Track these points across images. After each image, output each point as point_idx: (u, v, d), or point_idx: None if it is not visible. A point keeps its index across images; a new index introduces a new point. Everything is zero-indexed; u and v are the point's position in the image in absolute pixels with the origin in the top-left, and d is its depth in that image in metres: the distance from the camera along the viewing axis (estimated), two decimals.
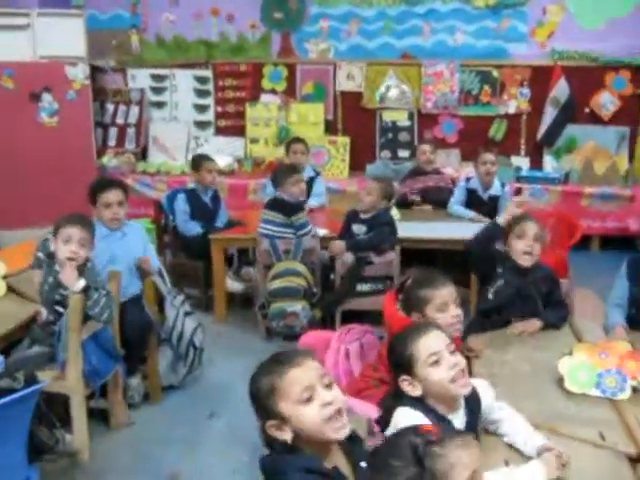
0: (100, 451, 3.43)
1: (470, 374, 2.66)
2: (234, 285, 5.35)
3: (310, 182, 5.93)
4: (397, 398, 2.11)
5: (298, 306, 4.50)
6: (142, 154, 7.98)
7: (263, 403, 1.75)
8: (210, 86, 7.98)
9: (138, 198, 7.35)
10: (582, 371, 2.54)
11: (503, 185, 5.52)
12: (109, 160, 7.63)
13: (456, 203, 5.55)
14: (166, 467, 3.33)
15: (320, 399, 1.72)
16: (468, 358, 2.85)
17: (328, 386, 1.76)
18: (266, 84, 7.90)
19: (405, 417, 2.02)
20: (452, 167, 7.17)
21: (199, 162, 5.52)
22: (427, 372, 2.04)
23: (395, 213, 5.34)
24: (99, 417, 3.65)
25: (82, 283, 3.20)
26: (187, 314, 4.07)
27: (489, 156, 5.44)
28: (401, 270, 5.27)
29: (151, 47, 8.17)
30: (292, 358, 1.77)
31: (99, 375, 3.35)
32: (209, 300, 5.35)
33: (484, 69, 7.56)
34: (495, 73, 7.54)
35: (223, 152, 7.75)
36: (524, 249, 3.20)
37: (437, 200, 5.77)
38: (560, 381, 2.55)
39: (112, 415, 3.65)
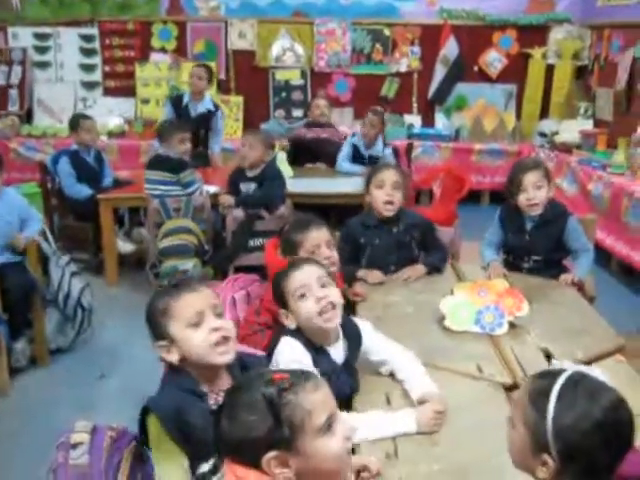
0: None
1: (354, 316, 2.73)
2: (125, 246, 5.22)
3: (208, 117, 5.87)
4: (281, 332, 2.15)
5: (190, 264, 4.43)
6: (27, 116, 7.62)
7: (156, 322, 1.79)
8: (96, 45, 7.67)
9: (23, 162, 7.08)
10: (462, 309, 2.62)
11: (385, 145, 5.58)
12: None
13: (343, 159, 5.63)
14: (53, 429, 3.22)
15: (208, 324, 1.77)
16: (354, 303, 2.91)
17: (219, 315, 1.82)
18: (156, 43, 7.66)
19: (286, 345, 2.07)
20: (346, 125, 7.20)
21: (77, 122, 5.33)
22: (296, 305, 2.08)
23: (288, 170, 5.34)
24: None
25: None
26: (74, 274, 3.96)
27: (371, 117, 5.53)
28: None
29: (33, 4, 7.74)
30: (189, 283, 1.86)
31: None
32: (100, 263, 5.20)
33: (375, 27, 7.59)
34: (386, 32, 7.59)
35: (113, 113, 7.53)
36: (384, 198, 3.18)
37: (328, 153, 5.78)
38: (442, 320, 2.62)
39: None
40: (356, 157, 5.61)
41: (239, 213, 4.48)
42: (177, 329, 1.76)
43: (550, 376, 1.40)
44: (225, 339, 1.78)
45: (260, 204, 4.50)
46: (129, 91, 7.67)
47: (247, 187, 4.64)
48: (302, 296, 2.07)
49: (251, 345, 2.49)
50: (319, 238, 2.63)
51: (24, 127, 7.41)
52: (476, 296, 2.65)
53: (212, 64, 7.50)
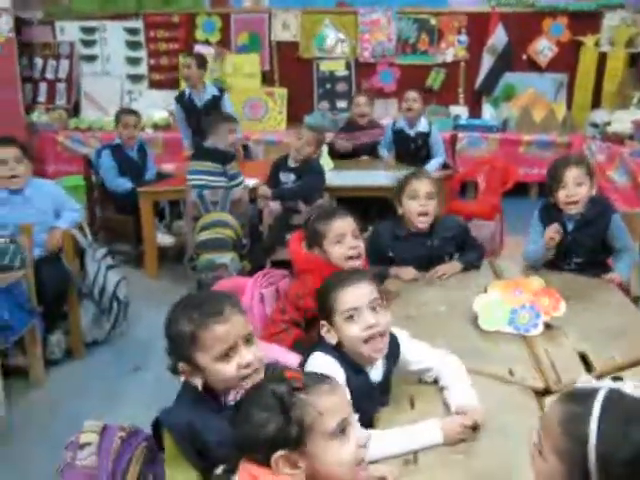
0: (18, 408, 3.36)
1: None
2: (165, 239, 5.24)
3: (216, 103, 5.83)
4: (318, 344, 2.03)
5: (227, 258, 4.40)
6: (74, 110, 7.71)
7: (180, 348, 1.69)
8: (142, 38, 7.71)
9: (70, 155, 7.16)
10: (496, 308, 2.52)
11: (430, 124, 5.51)
12: (39, 116, 7.36)
13: (384, 147, 5.59)
14: (87, 420, 3.24)
15: (239, 358, 1.66)
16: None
17: (249, 342, 1.70)
18: (200, 35, 7.64)
19: (318, 362, 1.95)
20: (390, 117, 7.07)
21: (117, 116, 5.40)
22: (342, 325, 1.94)
23: (328, 162, 5.28)
24: (19, 374, 3.56)
25: None
26: (110, 268, 3.96)
27: (411, 93, 5.48)
28: None
29: None
30: (219, 310, 1.66)
31: (12, 330, 3.24)
32: (140, 255, 5.23)
33: (421, 16, 7.44)
34: (432, 21, 7.43)
35: (158, 106, 7.55)
36: (418, 210, 3.03)
37: (372, 150, 5.72)
38: (475, 319, 2.52)
39: (31, 372, 3.55)
40: (402, 140, 5.53)
41: (276, 206, 4.44)
42: (205, 360, 1.65)
43: (583, 398, 1.25)
44: (255, 372, 1.68)
45: (297, 197, 4.45)
46: (174, 84, 7.68)
47: (287, 177, 4.59)
48: (350, 318, 1.93)
49: (278, 343, 2.45)
50: (344, 227, 2.55)
51: (71, 120, 7.49)
52: (511, 295, 2.55)
53: (256, 55, 7.52)
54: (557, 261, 3.14)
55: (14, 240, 3.20)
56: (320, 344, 2.01)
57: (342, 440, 1.37)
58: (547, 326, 2.46)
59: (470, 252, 3.16)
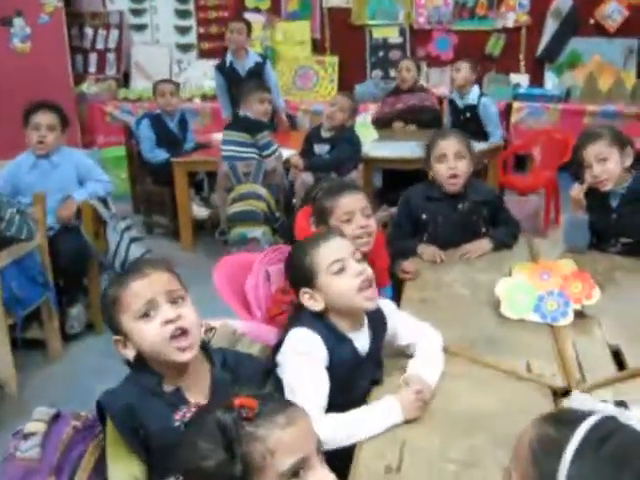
0: (32, 383, 3.29)
1: (398, 299, 2.42)
2: (200, 211, 5.13)
3: (259, 71, 5.64)
4: (295, 318, 1.86)
5: (259, 231, 4.24)
6: (124, 80, 7.65)
7: (108, 315, 1.57)
8: (191, 6, 7.56)
9: (119, 126, 7.08)
10: (521, 293, 2.25)
11: (482, 95, 5.13)
12: (88, 87, 7.32)
13: (448, 122, 5.30)
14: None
15: (161, 315, 1.51)
16: (402, 281, 2.59)
17: (175, 302, 1.54)
18: (249, 2, 7.42)
19: (297, 338, 1.78)
20: (446, 86, 6.74)
21: (154, 86, 5.29)
22: (330, 281, 1.77)
23: (372, 133, 5.04)
24: (37, 347, 3.50)
25: None
26: (134, 240, 3.83)
27: (458, 63, 5.17)
28: (383, 196, 5.00)
29: None
30: (139, 268, 1.57)
31: (21, 303, 3.15)
32: (177, 228, 5.11)
33: None
34: None
35: (207, 76, 7.39)
36: (447, 173, 2.80)
37: (421, 121, 5.42)
38: (497, 305, 2.27)
39: (48, 346, 3.47)
40: (453, 111, 5.28)
41: (308, 177, 4.22)
42: (127, 321, 1.52)
43: (567, 423, 1.00)
44: (183, 332, 1.51)
45: (330, 168, 4.22)
46: (223, 53, 7.49)
47: (321, 148, 4.38)
48: (340, 271, 1.77)
49: (279, 327, 2.25)
50: (353, 204, 2.33)
51: (121, 91, 7.44)
52: (538, 279, 2.26)
53: (306, 23, 7.27)
54: (602, 243, 2.81)
55: (20, 210, 3.08)
56: (298, 318, 1.84)
57: None
58: (578, 315, 2.19)
59: (503, 228, 2.88)
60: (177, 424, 1.47)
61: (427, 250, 2.76)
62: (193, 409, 1.47)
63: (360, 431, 1.63)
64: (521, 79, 7.06)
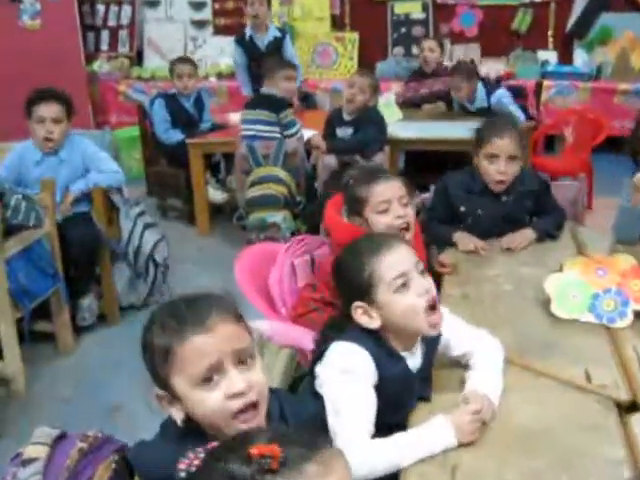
0: (42, 378, 3.14)
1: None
2: (216, 195, 4.93)
3: (279, 45, 5.40)
4: (339, 328, 1.65)
5: (279, 216, 4.03)
6: (137, 58, 7.44)
7: (153, 364, 1.25)
8: None
9: (132, 105, 6.87)
10: (574, 291, 2.04)
11: (489, 94, 4.77)
12: (100, 65, 7.12)
13: None
14: (109, 398, 2.96)
15: (227, 384, 1.20)
16: (439, 275, 2.38)
17: (243, 362, 1.24)
18: None
19: (342, 353, 1.58)
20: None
21: (171, 66, 5.07)
22: (391, 298, 1.56)
23: (396, 112, 4.81)
24: (47, 341, 3.34)
25: None
26: (147, 226, 3.65)
27: (456, 81, 4.80)
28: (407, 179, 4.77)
29: None
30: (201, 315, 1.23)
31: (29, 295, 2.97)
32: (192, 212, 4.91)
33: None
34: None
35: (223, 53, 7.18)
36: (496, 177, 2.57)
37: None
38: (547, 303, 2.06)
39: (58, 339, 3.30)
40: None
41: (331, 160, 4.01)
42: (182, 385, 1.21)
43: None
44: (252, 405, 1.22)
45: (354, 150, 4.00)
46: (240, 29, 7.24)
47: (344, 132, 4.16)
48: (405, 286, 1.55)
49: (307, 326, 2.06)
50: (390, 192, 2.12)
51: (134, 69, 7.24)
52: (593, 275, 2.06)
53: None
54: None
55: (27, 196, 2.89)
56: (344, 329, 1.62)
57: None
58: (638, 316, 1.98)
59: (547, 217, 2.66)
60: (182, 475, 1.16)
61: (464, 239, 2.55)
62: (202, 455, 1.15)
63: (408, 457, 1.44)
64: (549, 56, 6.80)
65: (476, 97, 4.81)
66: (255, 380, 1.23)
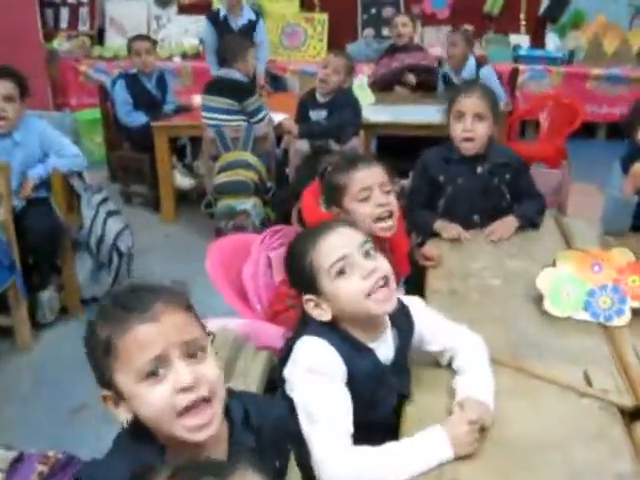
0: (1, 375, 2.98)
1: (421, 290, 2.10)
2: (184, 181, 4.76)
3: (252, 28, 5.26)
4: (303, 324, 1.53)
5: (249, 203, 3.88)
6: (99, 37, 7.20)
7: (96, 361, 1.12)
8: None
9: (93, 86, 6.63)
10: (568, 287, 1.94)
11: (480, 66, 4.74)
12: (60, 44, 6.86)
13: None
14: (72, 397, 2.79)
15: (173, 378, 1.08)
16: (423, 269, 2.26)
17: (192, 355, 1.10)
18: None
19: (307, 351, 1.46)
20: (442, 46, 6.34)
21: (129, 44, 4.88)
22: (334, 286, 1.45)
23: (368, 96, 4.67)
24: (5, 336, 3.17)
25: None
26: (110, 214, 3.47)
27: (453, 37, 4.81)
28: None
29: None
30: (145, 303, 1.10)
31: None
32: (157, 198, 4.73)
33: None
34: None
35: (188, 33, 6.99)
36: (462, 135, 2.49)
37: (421, 83, 5.06)
38: (539, 300, 1.96)
39: (16, 334, 3.12)
40: (446, 87, 4.86)
41: (304, 145, 3.86)
42: (125, 380, 1.09)
43: None
44: (204, 400, 1.09)
45: (328, 135, 3.85)
46: (206, 8, 7.04)
47: (318, 115, 4.00)
48: (341, 273, 1.44)
49: (283, 325, 1.92)
50: (370, 179, 1.99)
51: (95, 48, 7.03)
52: (588, 270, 1.95)
53: None
54: None
55: None
56: (306, 324, 1.52)
57: None
58: (636, 313, 1.89)
59: (528, 203, 2.57)
60: None
61: (447, 227, 2.44)
62: None
63: (399, 471, 1.32)
64: (521, 40, 6.77)
65: (466, 65, 4.74)
66: (205, 374, 1.10)
